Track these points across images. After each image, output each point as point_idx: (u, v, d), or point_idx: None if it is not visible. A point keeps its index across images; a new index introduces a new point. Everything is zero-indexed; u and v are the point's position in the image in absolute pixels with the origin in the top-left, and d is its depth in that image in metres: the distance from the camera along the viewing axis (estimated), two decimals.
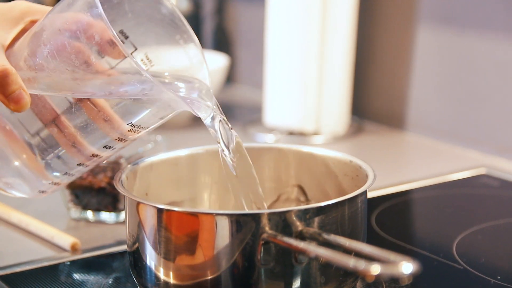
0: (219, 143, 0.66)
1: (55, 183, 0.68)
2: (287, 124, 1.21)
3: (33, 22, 0.65)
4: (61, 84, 0.61)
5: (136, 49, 0.67)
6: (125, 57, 0.64)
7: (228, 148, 0.67)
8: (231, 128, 0.67)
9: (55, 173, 0.66)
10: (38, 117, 0.64)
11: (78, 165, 0.67)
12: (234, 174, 0.67)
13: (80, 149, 0.65)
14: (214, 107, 0.66)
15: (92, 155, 0.66)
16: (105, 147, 0.66)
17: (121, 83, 0.60)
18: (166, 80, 0.69)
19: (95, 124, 0.63)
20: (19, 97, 0.60)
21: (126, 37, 0.67)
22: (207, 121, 0.66)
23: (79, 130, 0.64)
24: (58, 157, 0.66)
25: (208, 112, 0.66)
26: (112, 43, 0.61)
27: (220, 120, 0.66)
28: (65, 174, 0.67)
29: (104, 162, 0.85)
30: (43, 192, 0.68)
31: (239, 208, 0.68)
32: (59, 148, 0.65)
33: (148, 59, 0.68)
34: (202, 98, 0.67)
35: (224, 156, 0.67)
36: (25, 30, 0.64)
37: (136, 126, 0.65)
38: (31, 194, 0.68)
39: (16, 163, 0.66)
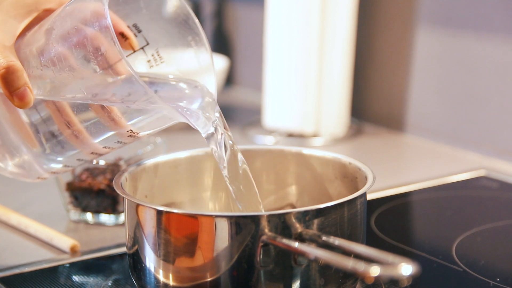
0: (218, 160, 0.67)
1: (53, 172, 0.69)
2: (286, 126, 1.21)
3: (47, 11, 0.64)
4: (65, 84, 0.61)
5: (148, 43, 0.68)
6: (134, 50, 0.65)
7: (225, 163, 0.67)
8: (233, 143, 0.67)
9: (58, 158, 0.67)
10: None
11: (77, 159, 0.68)
12: (231, 189, 0.67)
13: (81, 141, 0.65)
14: (216, 119, 0.66)
15: (92, 152, 0.67)
16: (104, 147, 0.67)
17: (123, 87, 0.60)
18: (172, 82, 0.69)
19: (99, 119, 0.64)
20: (23, 94, 0.60)
21: (139, 31, 0.67)
22: (205, 135, 0.66)
23: (82, 120, 0.65)
24: (60, 144, 0.66)
25: (207, 126, 0.66)
26: (123, 36, 0.62)
27: (221, 132, 0.66)
28: (64, 165, 0.68)
29: (104, 164, 0.85)
30: (40, 178, 0.69)
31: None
32: (61, 135, 0.65)
33: (158, 55, 0.68)
34: (204, 108, 0.67)
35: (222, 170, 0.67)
36: (39, 18, 0.64)
37: (135, 133, 0.66)
38: (30, 179, 0.69)
39: (19, 146, 0.66)
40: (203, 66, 0.68)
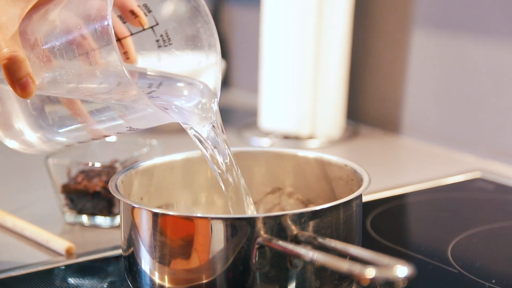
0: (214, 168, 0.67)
1: (54, 147, 0.71)
2: (282, 128, 1.21)
3: None
4: (66, 77, 0.61)
5: (157, 24, 0.69)
6: (144, 29, 0.66)
7: (220, 170, 0.67)
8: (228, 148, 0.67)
9: (60, 130, 0.68)
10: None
11: (78, 142, 0.69)
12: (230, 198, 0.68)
13: (84, 125, 0.66)
14: (211, 123, 0.66)
15: (93, 138, 0.68)
16: (104, 135, 0.68)
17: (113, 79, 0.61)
18: (173, 78, 0.70)
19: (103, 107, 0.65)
20: (25, 84, 0.60)
21: (149, 11, 0.69)
22: (193, 136, 0.66)
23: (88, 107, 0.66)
24: (62, 122, 0.67)
25: (201, 126, 0.66)
26: (133, 13, 0.65)
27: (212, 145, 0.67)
28: (65, 145, 0.70)
29: (99, 166, 0.85)
30: (42, 151, 0.71)
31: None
32: (64, 113, 0.66)
33: (167, 36, 0.69)
34: (202, 109, 0.67)
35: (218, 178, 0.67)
36: None
37: (133, 128, 0.66)
38: (30, 151, 0.71)
39: (21, 117, 0.67)
40: (210, 58, 0.69)
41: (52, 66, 0.61)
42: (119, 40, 0.69)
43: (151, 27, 0.69)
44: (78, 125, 0.67)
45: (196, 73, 0.69)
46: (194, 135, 0.66)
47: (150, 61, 0.70)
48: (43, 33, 0.61)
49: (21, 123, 0.68)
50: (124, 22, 0.69)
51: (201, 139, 0.66)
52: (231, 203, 0.68)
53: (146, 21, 0.68)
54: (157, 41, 0.69)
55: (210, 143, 0.66)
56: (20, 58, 0.60)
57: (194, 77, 0.69)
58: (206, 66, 0.69)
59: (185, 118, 0.65)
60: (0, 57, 0.60)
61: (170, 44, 0.69)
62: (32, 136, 0.69)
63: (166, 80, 0.69)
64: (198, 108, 0.67)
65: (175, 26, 0.69)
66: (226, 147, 0.67)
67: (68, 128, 0.68)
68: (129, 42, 0.69)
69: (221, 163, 0.66)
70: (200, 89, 0.68)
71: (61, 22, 0.61)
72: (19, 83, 0.60)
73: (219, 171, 0.66)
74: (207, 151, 0.66)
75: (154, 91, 0.68)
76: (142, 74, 0.70)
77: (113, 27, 0.67)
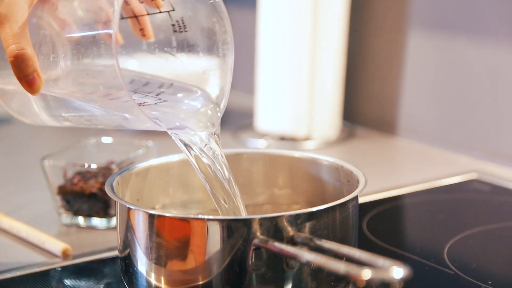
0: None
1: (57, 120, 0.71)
2: (278, 130, 1.21)
3: None
4: (72, 72, 0.62)
5: (173, 9, 0.69)
6: (160, 11, 0.67)
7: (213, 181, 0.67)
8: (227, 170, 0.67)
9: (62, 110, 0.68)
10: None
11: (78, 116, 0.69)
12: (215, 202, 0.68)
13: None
14: (212, 133, 0.67)
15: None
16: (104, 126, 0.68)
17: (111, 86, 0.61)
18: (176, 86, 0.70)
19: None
20: (32, 81, 0.61)
21: None
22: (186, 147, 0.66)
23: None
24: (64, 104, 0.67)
25: (203, 133, 0.66)
26: None
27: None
28: (69, 120, 0.70)
29: (95, 167, 0.85)
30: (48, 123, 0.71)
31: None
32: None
33: (183, 23, 0.69)
34: (206, 115, 0.67)
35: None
36: None
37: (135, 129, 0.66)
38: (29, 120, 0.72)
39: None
40: (223, 55, 0.69)
41: (59, 65, 0.62)
42: (136, 17, 0.69)
43: (168, 11, 0.69)
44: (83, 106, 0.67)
45: (208, 70, 0.70)
46: (182, 143, 0.66)
47: (165, 47, 0.70)
48: (53, 26, 0.61)
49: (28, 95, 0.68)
50: (142, 2, 0.69)
51: (195, 149, 0.66)
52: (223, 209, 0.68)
53: (162, 3, 0.68)
54: (173, 25, 0.69)
55: (209, 155, 0.66)
56: (27, 56, 0.60)
57: (205, 74, 0.70)
58: (218, 63, 0.69)
59: (184, 124, 0.65)
60: (8, 54, 0.60)
61: (185, 31, 0.69)
62: (38, 108, 0.69)
63: (176, 83, 0.70)
64: (201, 115, 0.67)
65: (191, 15, 0.69)
66: (222, 158, 0.67)
67: (72, 106, 0.68)
68: (146, 19, 0.70)
69: (222, 176, 0.66)
70: (206, 96, 0.69)
71: (72, 18, 0.61)
72: (26, 79, 0.61)
73: (210, 187, 0.67)
74: (204, 160, 0.66)
75: (163, 92, 0.68)
76: (154, 76, 0.70)
77: (130, 5, 0.67)
